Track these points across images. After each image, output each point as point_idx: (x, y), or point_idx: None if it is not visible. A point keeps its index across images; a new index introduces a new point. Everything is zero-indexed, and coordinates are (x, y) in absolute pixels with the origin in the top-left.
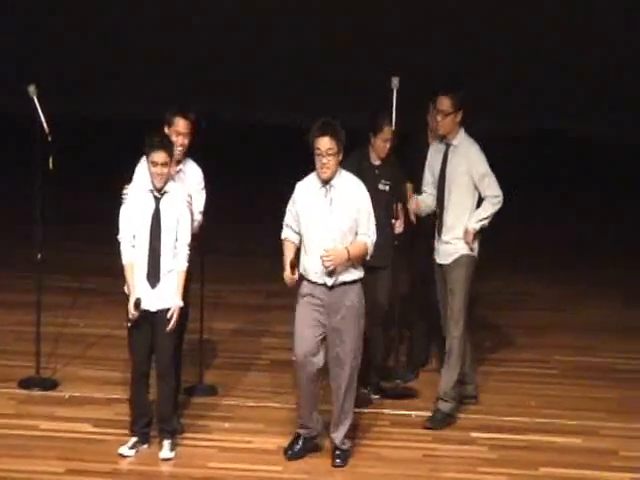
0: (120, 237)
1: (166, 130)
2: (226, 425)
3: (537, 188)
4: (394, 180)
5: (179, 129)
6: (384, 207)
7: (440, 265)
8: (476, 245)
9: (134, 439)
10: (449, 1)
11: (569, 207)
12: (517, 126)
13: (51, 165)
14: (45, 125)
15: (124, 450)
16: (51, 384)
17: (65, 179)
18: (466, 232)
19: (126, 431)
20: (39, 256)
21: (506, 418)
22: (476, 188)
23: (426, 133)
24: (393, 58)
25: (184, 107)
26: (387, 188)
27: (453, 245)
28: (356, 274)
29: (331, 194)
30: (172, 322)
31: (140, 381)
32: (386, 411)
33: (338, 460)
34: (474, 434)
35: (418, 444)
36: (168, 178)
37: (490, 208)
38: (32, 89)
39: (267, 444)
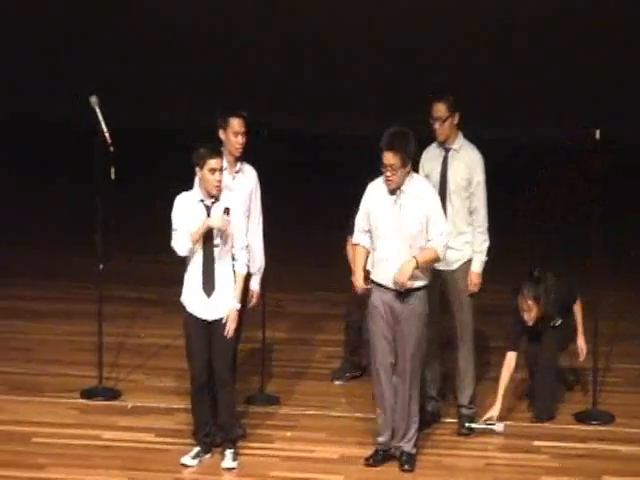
0: (174, 233)
1: (221, 135)
2: (288, 434)
3: None
4: None
5: (236, 129)
6: None
7: (439, 271)
8: None
9: (197, 449)
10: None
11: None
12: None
13: (113, 175)
14: (107, 136)
15: (187, 460)
16: (114, 394)
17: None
18: (472, 277)
19: (188, 441)
20: (101, 266)
21: (568, 426)
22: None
23: None
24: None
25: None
26: None
27: (460, 252)
28: (421, 281)
29: (401, 200)
30: (230, 324)
31: (200, 391)
32: (448, 419)
33: (407, 466)
34: (537, 443)
35: (480, 452)
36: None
37: (483, 243)
38: (94, 99)
39: (329, 453)
